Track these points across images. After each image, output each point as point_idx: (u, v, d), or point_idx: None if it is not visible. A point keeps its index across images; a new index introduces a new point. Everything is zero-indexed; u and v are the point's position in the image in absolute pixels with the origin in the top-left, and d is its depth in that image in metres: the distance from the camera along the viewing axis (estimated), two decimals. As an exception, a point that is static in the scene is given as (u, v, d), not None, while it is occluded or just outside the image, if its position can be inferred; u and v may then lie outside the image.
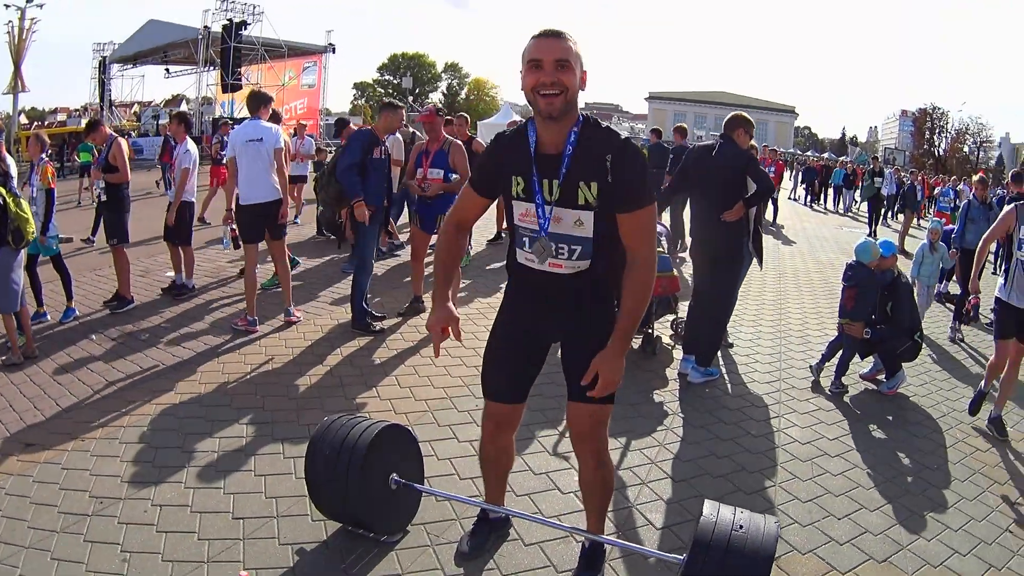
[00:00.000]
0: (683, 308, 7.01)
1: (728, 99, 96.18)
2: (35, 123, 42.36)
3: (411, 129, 11.20)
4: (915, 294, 6.75)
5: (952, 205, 20.86)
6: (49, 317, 7.04)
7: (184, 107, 38.88)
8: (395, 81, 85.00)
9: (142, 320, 7.17)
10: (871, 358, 6.59)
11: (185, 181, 7.89)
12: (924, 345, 6.56)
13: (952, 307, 9.61)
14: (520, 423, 3.44)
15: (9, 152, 7.09)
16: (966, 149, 75.64)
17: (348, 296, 7.35)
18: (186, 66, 38.99)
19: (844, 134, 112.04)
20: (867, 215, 19.53)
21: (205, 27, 34.09)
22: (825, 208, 26.10)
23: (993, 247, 6.97)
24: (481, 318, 7.64)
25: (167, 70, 40.46)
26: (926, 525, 4.27)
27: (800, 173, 30.64)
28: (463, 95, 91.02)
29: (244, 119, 8.44)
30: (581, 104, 2.85)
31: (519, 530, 3.79)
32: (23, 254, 6.08)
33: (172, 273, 8.50)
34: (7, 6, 29.97)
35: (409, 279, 8.41)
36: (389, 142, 7.38)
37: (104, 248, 8.59)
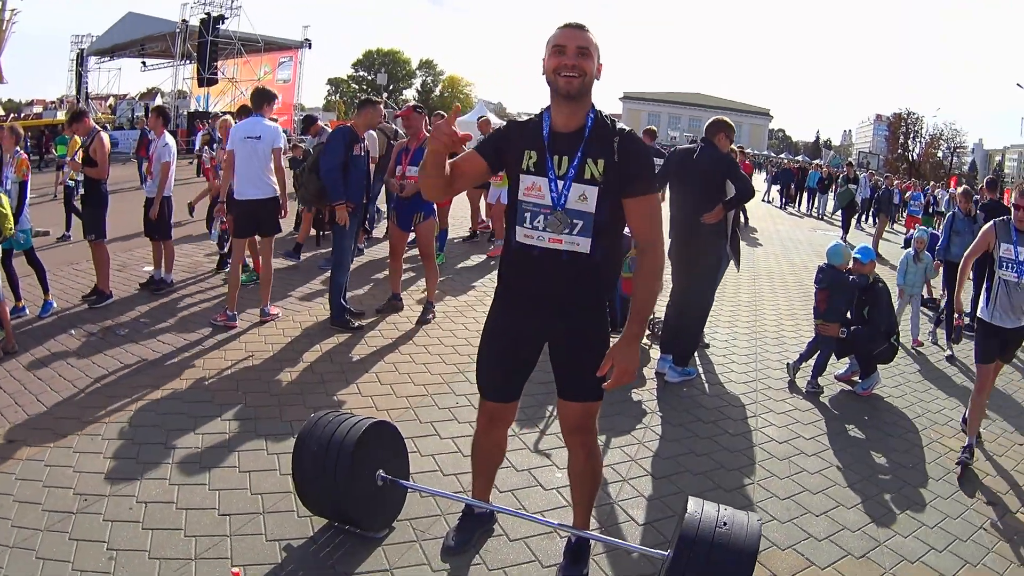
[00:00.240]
0: (660, 309, 7.09)
1: (703, 100, 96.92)
2: (11, 115, 41.66)
3: (394, 126, 11.18)
4: (893, 298, 6.79)
5: (923, 209, 21.17)
6: (28, 312, 6.97)
7: (159, 100, 38.53)
8: (370, 77, 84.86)
9: (121, 315, 7.12)
10: (847, 359, 6.69)
11: (166, 176, 7.84)
12: (899, 348, 6.66)
13: (931, 313, 9.72)
14: (514, 419, 3.51)
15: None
16: (940, 154, 76.57)
17: (326, 293, 7.36)
18: (162, 59, 38.68)
19: (818, 137, 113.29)
20: (841, 220, 19.68)
21: (183, 20, 33.86)
22: (800, 211, 26.35)
23: None
24: (458, 316, 7.68)
25: (143, 63, 40.09)
26: (902, 522, 4.38)
27: (774, 175, 30.89)
28: (437, 92, 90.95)
29: (223, 113, 8.46)
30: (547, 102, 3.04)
31: (504, 526, 3.83)
32: (-1, 250, 6.03)
33: (150, 268, 8.45)
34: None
35: (386, 275, 8.43)
36: (367, 139, 7.39)
37: (80, 240, 8.51)
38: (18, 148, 7.15)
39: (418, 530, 3.77)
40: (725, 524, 2.89)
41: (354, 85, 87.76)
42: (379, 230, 11.80)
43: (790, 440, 5.38)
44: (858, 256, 6.63)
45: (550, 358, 3.26)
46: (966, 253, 5.59)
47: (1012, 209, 5.23)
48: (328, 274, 7.58)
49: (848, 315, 6.57)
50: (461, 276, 9.62)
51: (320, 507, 3.64)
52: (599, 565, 3.61)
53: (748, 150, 31.03)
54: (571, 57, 2.87)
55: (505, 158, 3.08)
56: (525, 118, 3.21)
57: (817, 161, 48.67)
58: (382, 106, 7.47)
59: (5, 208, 5.85)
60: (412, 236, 7.71)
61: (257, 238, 7.35)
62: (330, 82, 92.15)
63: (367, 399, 5.44)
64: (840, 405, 6.25)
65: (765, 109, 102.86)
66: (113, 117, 37.86)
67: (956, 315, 5.82)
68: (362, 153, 6.98)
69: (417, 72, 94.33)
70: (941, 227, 10.85)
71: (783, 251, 15.24)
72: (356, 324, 7.04)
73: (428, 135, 7.42)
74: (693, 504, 3.05)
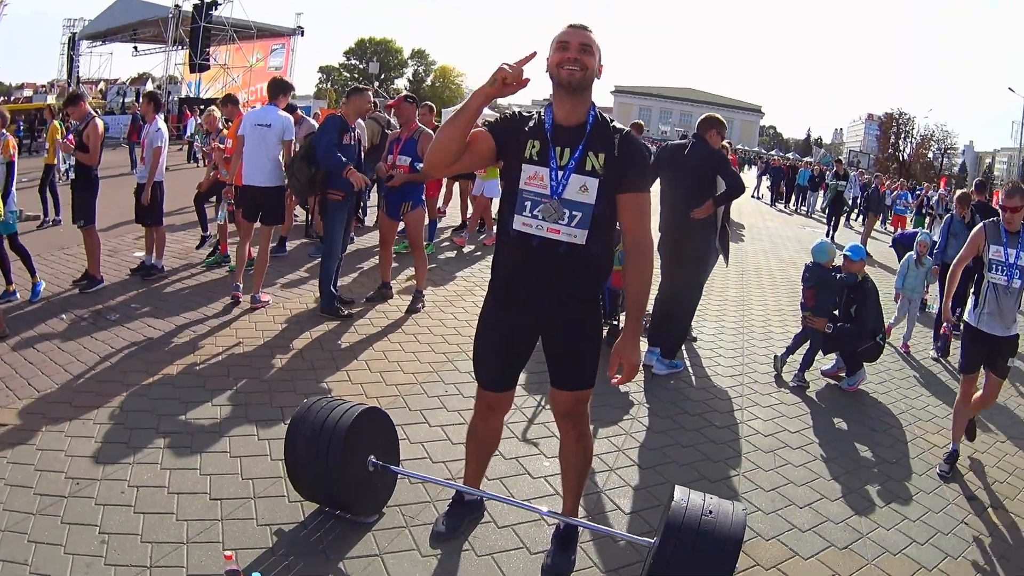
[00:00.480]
0: (648, 302, 7.13)
1: (694, 96, 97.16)
2: (0, 98, 41.38)
3: (386, 116, 11.18)
4: (885, 299, 6.80)
5: (916, 209, 21.24)
6: (19, 296, 6.96)
7: (150, 86, 38.29)
8: (361, 66, 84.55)
9: (112, 300, 7.12)
10: (833, 355, 6.77)
11: (158, 161, 7.84)
12: (885, 346, 6.72)
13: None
14: (510, 407, 3.60)
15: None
16: (930, 155, 76.92)
17: (316, 280, 7.40)
18: (155, 44, 38.38)
19: (809, 135, 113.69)
20: (827, 217, 19.68)
21: (176, 5, 33.66)
22: (790, 209, 26.47)
23: None
24: (448, 305, 7.73)
25: (135, 48, 39.78)
26: (885, 515, 4.45)
27: (765, 172, 30.96)
28: (429, 82, 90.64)
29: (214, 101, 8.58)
30: (543, 96, 3.09)
31: (492, 513, 3.88)
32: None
33: (141, 253, 8.45)
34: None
35: (376, 263, 8.46)
36: (357, 127, 7.40)
37: (71, 224, 8.50)
38: (3, 131, 7.14)
39: (408, 516, 3.81)
40: (711, 512, 2.95)
41: (345, 73, 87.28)
42: (371, 219, 11.82)
43: (775, 433, 5.45)
44: (848, 254, 6.69)
45: (544, 350, 3.33)
46: (956, 257, 5.41)
47: (999, 211, 5.11)
48: (318, 262, 7.59)
49: (836, 312, 6.64)
50: (450, 266, 9.66)
51: (312, 491, 3.68)
52: (586, 552, 3.66)
53: (739, 146, 31.16)
54: (574, 52, 2.97)
55: (508, 148, 3.12)
56: (516, 110, 3.26)
57: (808, 159, 48.82)
58: (371, 94, 7.49)
59: None
60: (402, 226, 7.74)
61: (258, 224, 7.39)
62: (322, 70, 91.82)
63: (357, 386, 5.47)
64: (826, 400, 6.33)
65: (757, 106, 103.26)
66: (104, 102, 37.57)
67: (944, 323, 5.64)
68: (352, 142, 7.00)
69: (409, 62, 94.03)
70: (933, 227, 10.87)
71: (772, 247, 15.34)
72: (346, 312, 7.07)
73: (420, 126, 7.48)
74: (679, 493, 3.11)
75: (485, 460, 3.77)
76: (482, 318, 3.40)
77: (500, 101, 4.52)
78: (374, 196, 11.44)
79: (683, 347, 6.88)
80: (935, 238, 9.47)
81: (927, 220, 19.99)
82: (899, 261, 10.31)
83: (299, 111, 11.20)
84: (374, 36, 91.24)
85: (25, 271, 7.14)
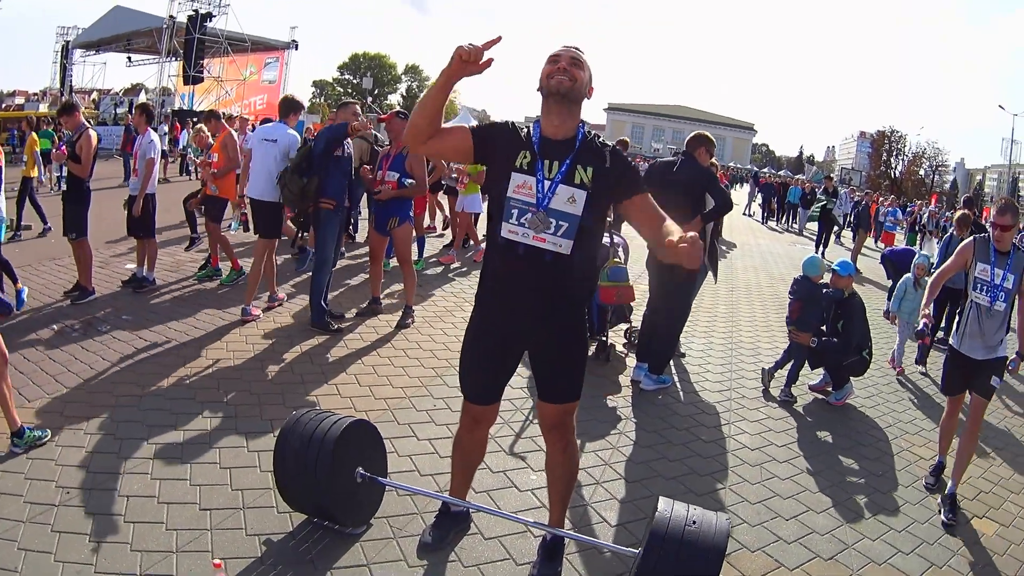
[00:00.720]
0: (636, 317, 7.19)
1: (687, 113, 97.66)
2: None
3: (374, 132, 11.23)
4: (864, 315, 6.81)
5: (900, 226, 21.35)
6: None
7: (143, 97, 38.30)
8: (355, 81, 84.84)
9: (103, 312, 7.14)
10: (820, 370, 6.82)
11: (151, 173, 7.87)
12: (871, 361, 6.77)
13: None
14: (495, 419, 3.64)
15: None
16: (922, 172, 77.48)
17: (306, 294, 7.44)
18: (148, 55, 38.42)
19: (801, 152, 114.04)
20: (816, 233, 19.68)
21: (171, 16, 33.67)
22: (781, 226, 26.59)
23: None
24: (437, 320, 7.77)
25: (129, 59, 39.82)
26: (871, 526, 4.51)
27: (757, 189, 31.05)
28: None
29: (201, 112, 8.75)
30: (536, 113, 3.22)
31: (479, 524, 3.92)
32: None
33: (132, 265, 8.47)
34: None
35: (366, 278, 8.50)
36: (350, 147, 7.45)
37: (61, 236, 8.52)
38: None
39: (395, 527, 3.84)
40: (694, 523, 2.99)
41: (339, 88, 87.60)
42: (361, 235, 11.86)
43: (762, 447, 5.50)
44: (836, 269, 6.76)
45: (531, 364, 3.39)
46: (941, 268, 5.25)
47: (990, 228, 4.94)
48: (307, 276, 7.63)
49: (824, 328, 6.70)
50: (439, 281, 9.71)
51: (300, 502, 3.71)
52: (572, 564, 3.69)
53: (731, 163, 31.35)
54: (564, 63, 3.06)
55: (495, 155, 3.18)
56: (511, 122, 3.34)
57: (799, 176, 49.07)
58: (359, 107, 7.57)
59: None
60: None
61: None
62: (315, 84, 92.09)
63: (346, 400, 5.50)
64: (813, 414, 6.38)
65: (749, 123, 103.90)
66: (97, 112, 37.57)
67: (922, 319, 5.32)
68: (344, 155, 7.06)
69: (403, 77, 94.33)
70: (923, 244, 10.90)
71: (762, 264, 15.43)
72: (336, 326, 7.09)
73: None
74: (663, 503, 3.14)
75: (471, 472, 3.81)
76: (469, 330, 3.45)
77: (493, 117, 4.57)
78: (364, 211, 11.51)
79: (671, 363, 6.93)
80: (933, 259, 9.47)
81: (919, 237, 20.09)
82: (888, 277, 10.41)
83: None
84: (368, 51, 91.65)
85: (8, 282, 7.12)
